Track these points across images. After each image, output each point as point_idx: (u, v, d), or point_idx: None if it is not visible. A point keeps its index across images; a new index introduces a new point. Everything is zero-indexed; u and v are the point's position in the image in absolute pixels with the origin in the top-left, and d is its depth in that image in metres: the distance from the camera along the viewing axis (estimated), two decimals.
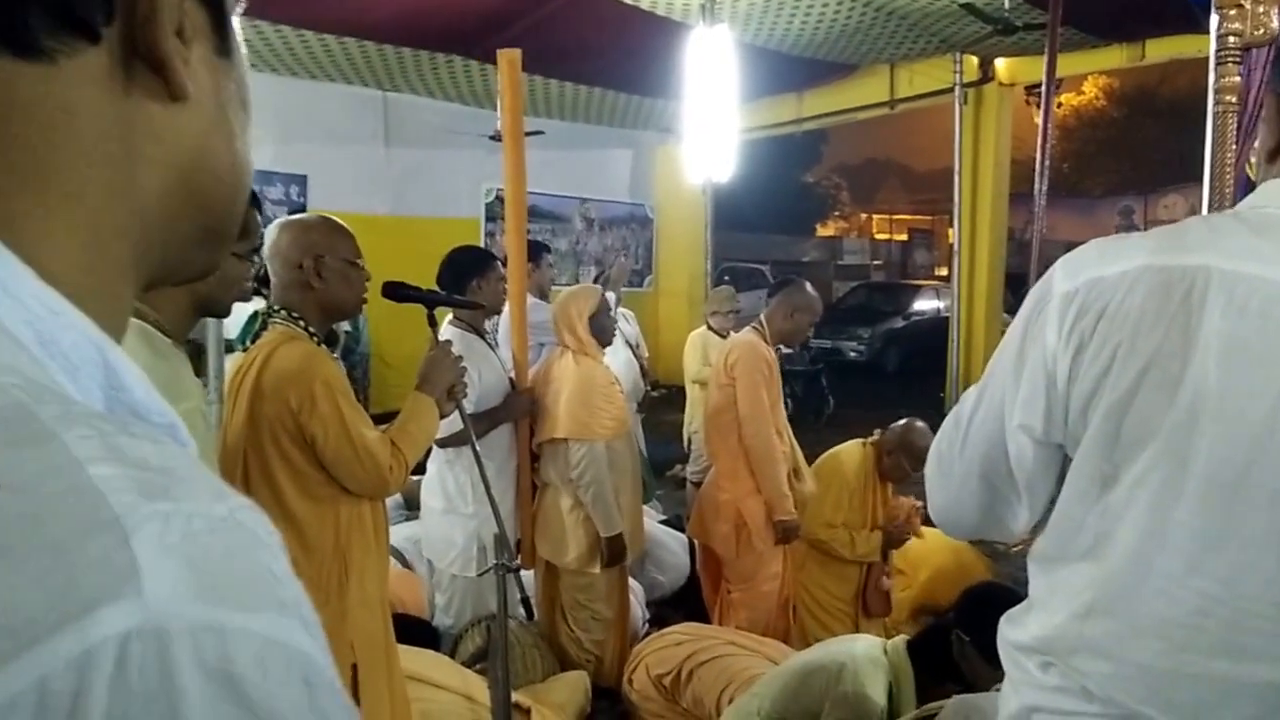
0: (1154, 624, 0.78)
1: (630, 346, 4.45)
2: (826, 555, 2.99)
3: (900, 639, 2.13)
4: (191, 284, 1.38)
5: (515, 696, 2.11)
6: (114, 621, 0.22)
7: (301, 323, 1.70)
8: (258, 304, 1.93)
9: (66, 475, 0.24)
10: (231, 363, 1.82)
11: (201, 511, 0.25)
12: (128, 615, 0.22)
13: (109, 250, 0.34)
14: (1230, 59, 1.74)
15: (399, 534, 3.10)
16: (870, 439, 3.07)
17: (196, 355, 1.67)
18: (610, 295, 3.51)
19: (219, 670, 0.23)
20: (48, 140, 0.32)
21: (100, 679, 0.21)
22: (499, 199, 8.05)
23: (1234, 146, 1.79)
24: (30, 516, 0.23)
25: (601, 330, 2.82)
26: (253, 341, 1.73)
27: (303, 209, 6.50)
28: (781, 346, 3.06)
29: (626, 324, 4.62)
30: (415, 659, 2.18)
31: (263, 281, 1.82)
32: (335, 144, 7.01)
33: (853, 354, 10.91)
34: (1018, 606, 0.93)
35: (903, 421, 3.02)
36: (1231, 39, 1.73)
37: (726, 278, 10.29)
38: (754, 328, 3.01)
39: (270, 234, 1.72)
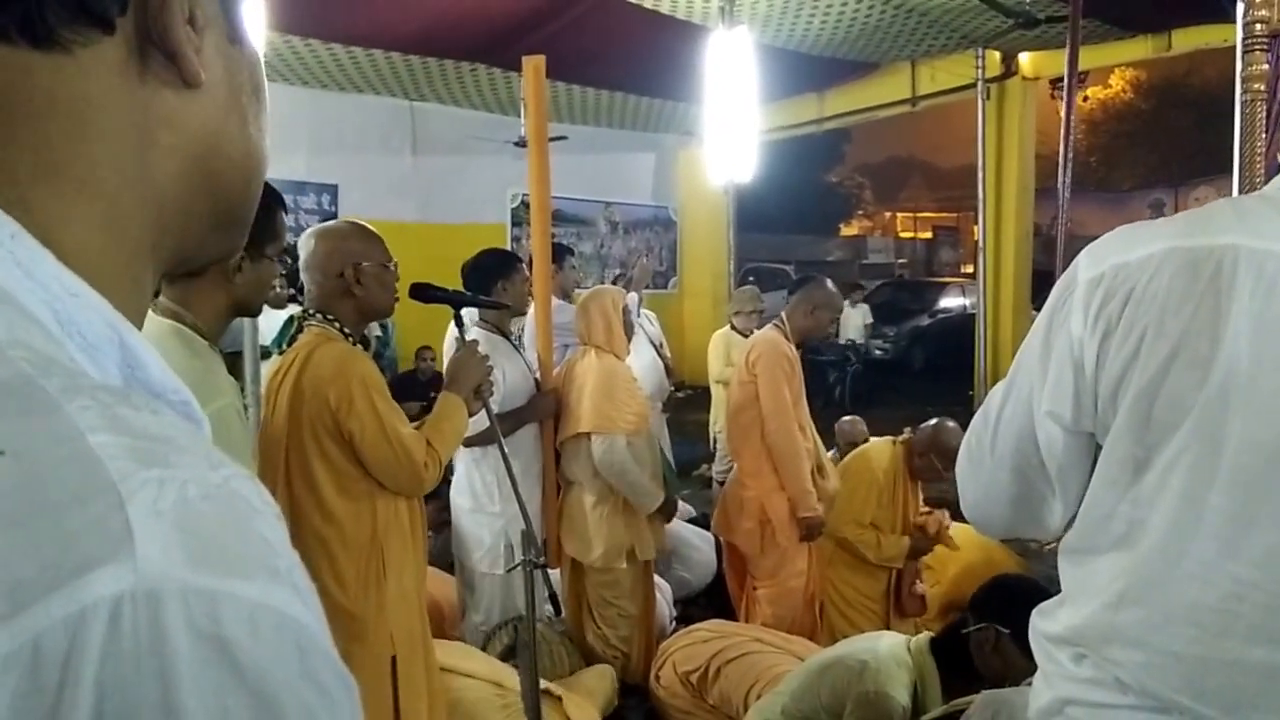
0: (1186, 611, 0.77)
1: (654, 346, 4.47)
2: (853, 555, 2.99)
3: (924, 636, 2.11)
4: (227, 286, 1.44)
5: (545, 684, 2.14)
6: (107, 584, 0.22)
7: (337, 324, 1.75)
8: (293, 309, 1.98)
9: (67, 443, 0.24)
10: (268, 367, 1.87)
11: (196, 478, 0.25)
12: (120, 578, 0.22)
13: (126, 234, 0.35)
14: (1258, 46, 1.72)
15: None
16: (900, 438, 3.06)
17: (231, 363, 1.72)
18: (633, 295, 3.54)
19: (209, 634, 0.23)
20: (65, 128, 0.32)
21: (93, 640, 0.22)
22: (524, 204, 8.12)
23: (1263, 135, 1.77)
24: (30, 482, 0.23)
25: (630, 327, 2.87)
26: (289, 345, 1.78)
27: (333, 217, 6.61)
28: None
29: (650, 325, 4.63)
30: (444, 650, 2.22)
31: (296, 287, 1.87)
32: (364, 154, 7.14)
33: (878, 352, 10.85)
34: (1050, 600, 0.92)
35: (933, 421, 3.01)
36: (1258, 26, 1.71)
37: (751, 278, 10.28)
38: (775, 325, 3.02)
39: (305, 245, 1.77)
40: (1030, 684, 1.00)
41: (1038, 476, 0.89)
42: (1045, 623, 0.91)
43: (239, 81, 0.39)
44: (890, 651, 2.03)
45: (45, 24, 0.31)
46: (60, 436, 0.24)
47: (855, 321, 10.03)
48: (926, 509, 3.11)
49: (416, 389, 5.93)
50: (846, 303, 10.29)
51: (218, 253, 0.42)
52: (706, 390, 5.12)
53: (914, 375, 10.54)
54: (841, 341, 9.36)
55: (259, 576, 0.25)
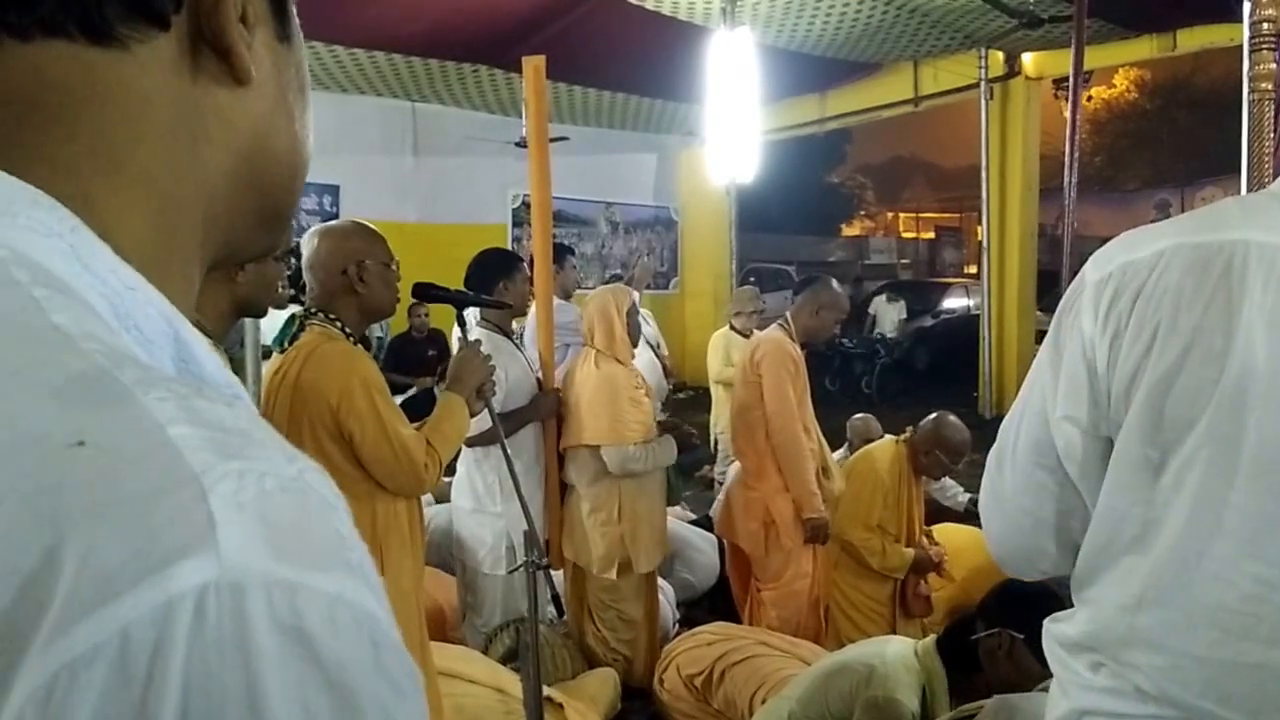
0: (1208, 612, 0.75)
1: (652, 347, 4.46)
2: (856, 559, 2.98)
3: (930, 640, 2.09)
4: (230, 285, 1.43)
5: (547, 691, 2.12)
6: (193, 575, 0.22)
7: (339, 324, 1.75)
8: (294, 309, 1.98)
9: (147, 435, 0.24)
10: (268, 366, 1.86)
11: (274, 471, 0.26)
12: (205, 569, 0.22)
13: (177, 229, 0.36)
14: (1265, 46, 1.71)
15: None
16: (902, 437, 3.05)
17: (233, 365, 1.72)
18: (634, 295, 3.53)
19: (291, 626, 0.23)
20: (121, 123, 0.33)
21: (180, 631, 0.22)
22: (525, 205, 8.12)
23: (1271, 135, 1.76)
24: (114, 474, 0.23)
25: (635, 329, 2.85)
26: (290, 344, 1.78)
27: (335, 217, 6.61)
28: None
29: (647, 325, 4.62)
30: (445, 654, 2.20)
31: (299, 286, 1.87)
32: (366, 154, 7.15)
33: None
34: (1065, 610, 0.90)
35: (933, 416, 3.00)
36: (1265, 26, 1.70)
37: (752, 279, 10.32)
38: (780, 325, 3.01)
39: (308, 243, 1.77)
40: (1044, 689, 0.97)
41: (1062, 488, 0.87)
42: (1060, 629, 0.89)
43: (286, 79, 0.39)
44: (898, 656, 2.02)
45: (104, 20, 0.32)
46: (140, 428, 0.25)
47: (891, 316, 10.13)
48: (937, 543, 3.12)
49: (416, 349, 5.95)
50: (882, 298, 10.53)
51: (260, 248, 0.42)
52: (707, 391, 5.10)
53: (917, 375, 10.56)
54: (874, 335, 9.56)
55: (336, 570, 0.25)
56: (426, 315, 6.04)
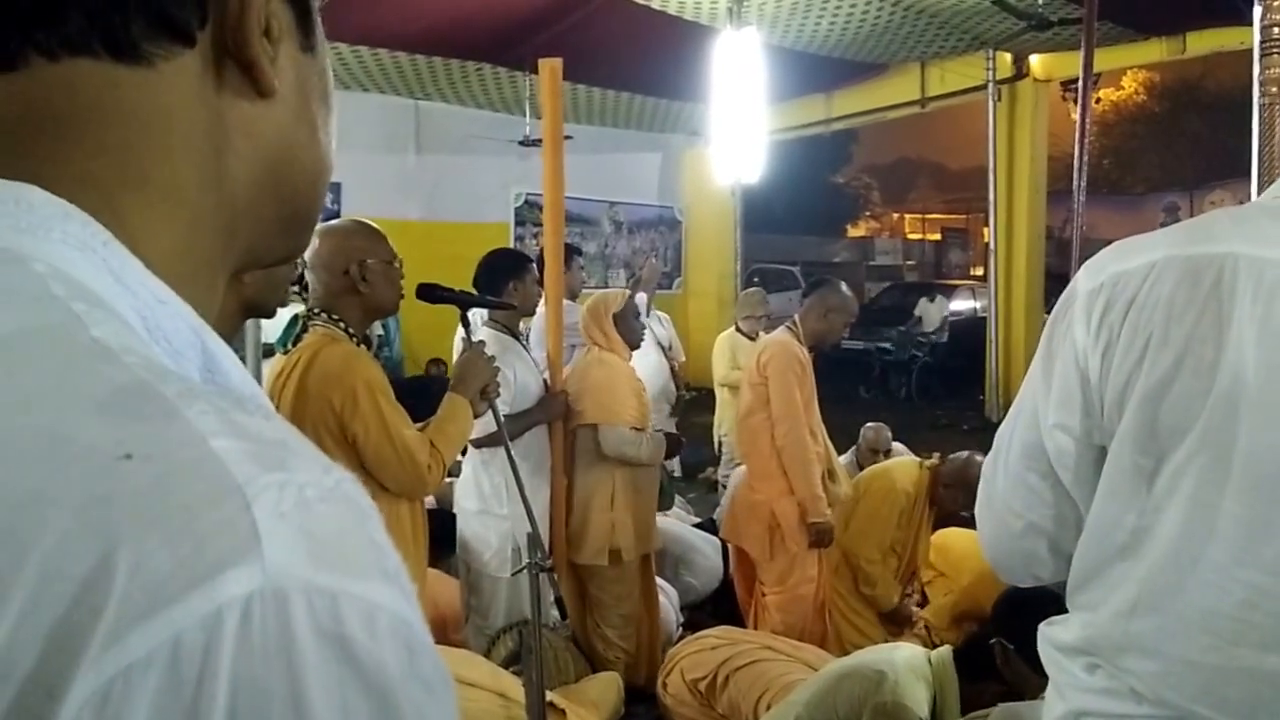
0: (1201, 618, 0.76)
1: (663, 349, 4.45)
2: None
3: (946, 649, 2.09)
4: (237, 286, 1.42)
5: (550, 696, 2.12)
6: (239, 583, 0.23)
7: (342, 324, 1.75)
8: (296, 307, 1.98)
9: (191, 447, 0.25)
10: (271, 366, 1.86)
11: (313, 482, 0.26)
12: (251, 577, 0.23)
13: (203, 240, 0.36)
14: (1275, 50, 1.69)
15: None
16: (928, 461, 3.06)
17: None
18: (642, 296, 3.53)
19: (332, 632, 0.24)
20: (148, 138, 0.34)
21: (227, 637, 0.23)
22: (528, 203, 8.13)
23: None
24: (162, 485, 0.24)
25: (629, 331, 2.86)
26: (293, 344, 1.78)
27: (337, 216, 6.61)
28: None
29: (660, 326, 4.61)
30: (447, 658, 2.19)
31: (301, 284, 1.87)
32: (368, 152, 7.14)
33: (890, 354, 10.92)
34: (1060, 615, 0.91)
35: (964, 455, 3.03)
36: (1276, 30, 1.69)
37: (756, 279, 10.31)
38: (788, 327, 3.00)
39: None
40: (1045, 698, 0.98)
41: (1053, 492, 0.87)
42: (1055, 633, 0.90)
43: (309, 89, 0.40)
44: (908, 663, 2.01)
45: (130, 38, 0.33)
46: (184, 441, 0.25)
47: (933, 315, 10.22)
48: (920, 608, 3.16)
49: (426, 390, 5.96)
50: (925, 299, 10.72)
51: (283, 254, 0.43)
52: (711, 392, 5.10)
53: (926, 377, 10.59)
54: (919, 334, 9.71)
55: (373, 577, 0.26)
56: (436, 374, 6.07)
